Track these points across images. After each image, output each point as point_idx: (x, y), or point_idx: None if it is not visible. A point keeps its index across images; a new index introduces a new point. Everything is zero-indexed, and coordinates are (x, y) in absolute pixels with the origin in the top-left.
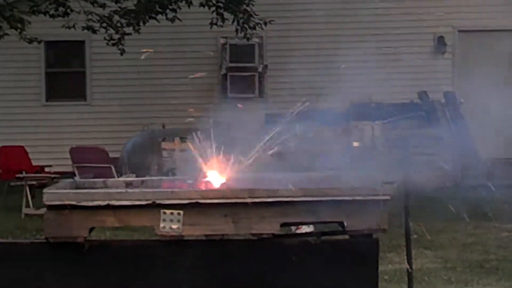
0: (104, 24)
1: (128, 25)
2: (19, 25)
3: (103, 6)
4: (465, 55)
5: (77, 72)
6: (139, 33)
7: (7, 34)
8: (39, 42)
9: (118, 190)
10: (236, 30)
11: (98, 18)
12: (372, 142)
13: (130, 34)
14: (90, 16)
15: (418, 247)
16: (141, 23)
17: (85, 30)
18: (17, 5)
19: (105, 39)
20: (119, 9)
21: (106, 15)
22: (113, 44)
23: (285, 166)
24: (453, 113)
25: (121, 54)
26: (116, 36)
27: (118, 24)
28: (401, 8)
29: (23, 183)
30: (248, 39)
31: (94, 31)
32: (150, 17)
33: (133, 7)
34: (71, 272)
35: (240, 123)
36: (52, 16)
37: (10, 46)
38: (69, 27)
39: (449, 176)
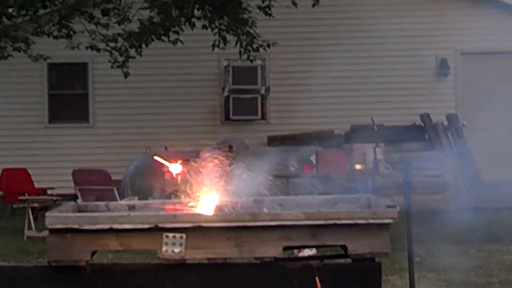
0: (109, 45)
1: (131, 47)
2: (22, 45)
3: (106, 26)
4: (468, 77)
5: (80, 94)
6: (141, 55)
7: (11, 55)
8: (45, 59)
9: (121, 213)
10: (240, 52)
11: (102, 37)
12: (375, 165)
13: (134, 57)
14: (93, 36)
15: (421, 270)
16: (143, 46)
17: (89, 50)
18: (21, 26)
19: (109, 61)
20: (122, 31)
21: (110, 34)
22: (118, 67)
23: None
24: (456, 135)
25: (125, 76)
26: (121, 59)
27: (123, 48)
28: (403, 30)
29: (25, 205)
30: (251, 61)
31: (98, 50)
32: (153, 39)
33: (136, 29)
34: None
35: (244, 146)
36: (55, 37)
37: (13, 68)
38: (73, 47)
39: (452, 198)
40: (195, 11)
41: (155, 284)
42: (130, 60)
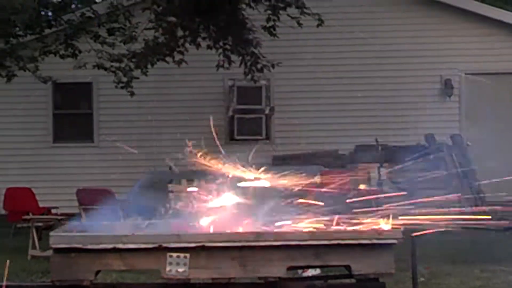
0: (113, 66)
1: (136, 67)
2: (31, 66)
3: (112, 45)
4: (472, 98)
5: (85, 114)
6: (146, 75)
7: (15, 75)
8: (55, 81)
9: (125, 233)
10: (245, 73)
11: (108, 56)
12: (379, 185)
13: (138, 78)
14: (100, 55)
15: None
16: (149, 66)
17: (94, 70)
18: (28, 45)
19: (114, 82)
20: (127, 52)
21: (116, 54)
22: (122, 87)
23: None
24: (460, 156)
25: (131, 95)
26: (125, 79)
27: (127, 68)
28: (408, 51)
29: (29, 224)
30: (255, 81)
31: (105, 69)
32: (158, 60)
33: (141, 49)
34: None
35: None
36: (62, 56)
37: (18, 87)
38: (80, 67)
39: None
40: (200, 31)
41: None
42: (134, 80)
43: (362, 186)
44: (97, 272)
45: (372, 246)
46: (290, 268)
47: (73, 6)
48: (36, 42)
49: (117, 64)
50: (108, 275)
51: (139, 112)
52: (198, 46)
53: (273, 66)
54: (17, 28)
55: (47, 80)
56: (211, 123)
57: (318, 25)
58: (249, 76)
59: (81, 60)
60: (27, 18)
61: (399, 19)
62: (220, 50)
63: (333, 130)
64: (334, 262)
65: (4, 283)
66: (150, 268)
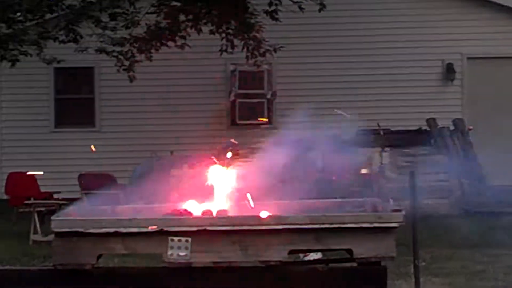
0: (115, 50)
1: (139, 52)
2: (35, 49)
3: (114, 30)
4: (474, 82)
5: (86, 99)
6: (151, 60)
7: (18, 60)
8: (59, 62)
9: (126, 217)
10: (247, 57)
11: (110, 41)
12: (381, 169)
13: (141, 61)
14: (102, 39)
15: (427, 274)
16: (152, 51)
17: (95, 55)
18: (29, 30)
19: (115, 65)
20: (129, 36)
21: (118, 37)
22: (124, 70)
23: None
24: (462, 140)
25: (131, 81)
26: (127, 63)
27: (129, 53)
28: (410, 35)
29: (31, 209)
30: (258, 66)
31: (107, 53)
32: (162, 44)
33: (143, 34)
34: None
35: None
36: (62, 42)
37: (20, 72)
38: (81, 51)
39: (458, 203)
40: (202, 15)
41: None
42: (136, 64)
43: (364, 171)
44: (99, 256)
45: (373, 230)
46: (291, 252)
47: None
48: (37, 27)
49: (119, 49)
50: (110, 259)
51: (140, 97)
52: (200, 31)
53: (275, 50)
54: (18, 14)
55: (51, 61)
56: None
57: (320, 10)
58: (252, 61)
59: (83, 45)
60: (33, 3)
61: (401, 3)
62: (223, 35)
63: (335, 115)
64: (335, 246)
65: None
66: (152, 252)
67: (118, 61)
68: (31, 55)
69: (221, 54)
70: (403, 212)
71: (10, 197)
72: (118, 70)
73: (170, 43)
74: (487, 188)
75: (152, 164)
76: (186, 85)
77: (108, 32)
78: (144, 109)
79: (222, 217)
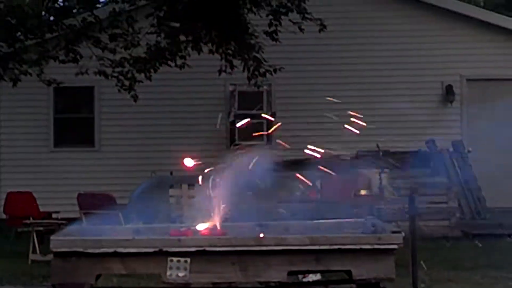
0: (116, 71)
1: (139, 71)
2: (36, 69)
3: (113, 51)
4: (473, 104)
5: (86, 118)
6: (150, 80)
7: (19, 79)
8: (59, 84)
9: (125, 237)
10: (248, 78)
11: (110, 63)
12: (380, 191)
13: (141, 81)
14: (102, 61)
15: None
16: (152, 71)
17: (97, 76)
18: (30, 49)
19: (116, 85)
20: (128, 56)
21: (117, 60)
22: (125, 90)
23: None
24: (461, 162)
25: (135, 101)
26: (127, 83)
27: (130, 74)
28: (409, 57)
29: (30, 229)
30: (258, 87)
31: (106, 76)
32: (161, 64)
33: (143, 54)
34: None
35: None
36: (62, 61)
37: (19, 91)
38: (81, 73)
39: (457, 225)
40: (202, 36)
41: None
42: (136, 84)
43: (363, 192)
44: (98, 276)
45: (372, 251)
46: (290, 273)
47: (74, 11)
48: (36, 47)
49: (119, 69)
50: (109, 279)
51: (140, 116)
52: (200, 51)
53: (275, 70)
54: (19, 33)
55: (51, 82)
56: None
57: (320, 30)
58: (253, 81)
59: (83, 66)
60: (36, 23)
61: (400, 25)
62: (222, 55)
63: (335, 136)
64: (334, 267)
65: None
66: (151, 272)
67: (119, 82)
68: (31, 74)
69: (219, 75)
70: (403, 234)
71: (9, 217)
72: (119, 90)
73: (170, 63)
74: (486, 210)
75: (152, 184)
76: (186, 105)
77: (107, 54)
78: (144, 129)
79: (221, 237)
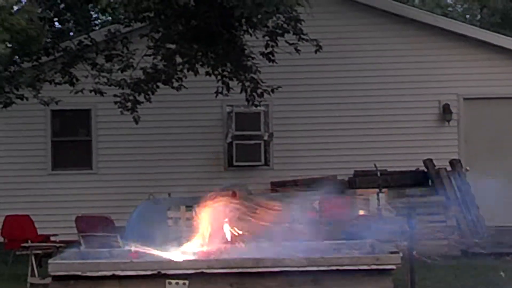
0: (118, 93)
1: (139, 93)
2: (32, 91)
3: (110, 72)
4: (471, 122)
5: (83, 141)
6: (150, 102)
7: (13, 102)
8: (57, 102)
9: (124, 260)
10: (247, 100)
11: (106, 81)
12: (378, 210)
13: (142, 102)
14: (97, 80)
15: None
16: (149, 93)
17: (92, 97)
18: (26, 72)
19: (118, 107)
20: (129, 79)
21: (114, 79)
22: (128, 110)
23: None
24: (459, 181)
25: (136, 122)
26: (129, 104)
27: (131, 97)
28: (406, 76)
29: (28, 252)
30: (256, 106)
31: (102, 94)
32: (158, 86)
33: (141, 77)
34: None
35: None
36: (58, 84)
37: (16, 114)
38: (76, 92)
39: (455, 244)
40: (198, 57)
41: None
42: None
43: (361, 212)
44: None
45: (370, 272)
46: None
47: (71, 33)
48: (32, 70)
49: (121, 91)
50: None
51: (137, 138)
52: (196, 72)
53: (272, 91)
54: (17, 56)
55: (49, 102)
56: None
57: (316, 51)
58: (251, 103)
59: (78, 87)
60: (38, 47)
61: (398, 44)
62: (219, 77)
63: (332, 156)
64: None
65: None
66: None
67: (121, 104)
68: (27, 98)
69: (216, 96)
70: (401, 254)
71: (7, 240)
72: (121, 112)
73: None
74: (484, 229)
75: (150, 206)
76: (183, 127)
77: (104, 74)
78: (141, 151)
79: (219, 259)
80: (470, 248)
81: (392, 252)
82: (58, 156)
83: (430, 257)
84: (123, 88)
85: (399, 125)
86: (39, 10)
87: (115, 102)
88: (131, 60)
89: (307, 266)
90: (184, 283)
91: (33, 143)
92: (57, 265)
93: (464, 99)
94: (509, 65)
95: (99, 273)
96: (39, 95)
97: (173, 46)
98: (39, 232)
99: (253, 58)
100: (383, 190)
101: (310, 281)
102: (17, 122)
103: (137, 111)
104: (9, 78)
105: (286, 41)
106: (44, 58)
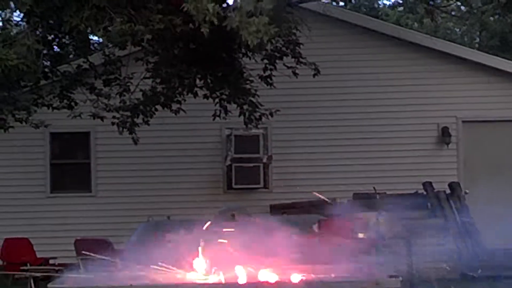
0: (115, 117)
1: (136, 114)
2: (23, 114)
3: (108, 97)
4: (469, 145)
5: (82, 164)
6: (148, 124)
7: (11, 126)
8: (46, 126)
9: (122, 284)
10: (245, 123)
11: (105, 106)
12: (377, 234)
13: (138, 125)
14: (96, 104)
15: None
16: (148, 116)
17: (91, 120)
18: (21, 97)
19: (117, 130)
20: (128, 103)
21: (112, 104)
22: (127, 131)
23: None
24: (458, 203)
25: (135, 143)
26: (128, 125)
27: (130, 120)
28: (405, 99)
29: (27, 275)
30: (256, 125)
31: (101, 119)
32: (156, 110)
33: (141, 99)
34: None
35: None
36: (56, 108)
37: (15, 137)
38: (75, 116)
39: (455, 267)
40: (197, 81)
41: None
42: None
43: (360, 235)
44: None
45: None
46: None
47: (71, 56)
48: (30, 94)
49: (120, 113)
50: None
51: (136, 161)
52: (195, 95)
53: (271, 114)
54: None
55: (39, 125)
56: None
57: (314, 75)
58: (250, 126)
59: (77, 111)
60: (33, 78)
61: (396, 67)
62: (217, 100)
63: (331, 179)
64: None
65: None
66: None
67: (119, 127)
68: (25, 121)
69: (213, 119)
70: (400, 278)
71: (6, 263)
72: (120, 133)
73: (165, 108)
74: (484, 252)
75: (149, 229)
76: (182, 149)
77: (102, 99)
78: (140, 174)
79: (218, 284)
80: (470, 271)
81: (391, 276)
82: (57, 179)
83: (429, 280)
84: (123, 111)
85: (398, 148)
86: (37, 35)
87: (113, 123)
88: (128, 84)
89: None
90: None
91: (32, 165)
92: None
93: (463, 121)
94: (508, 88)
95: None
96: (30, 118)
97: (168, 70)
98: (38, 255)
99: (251, 81)
100: (382, 213)
101: None
102: (16, 145)
103: (135, 133)
104: (5, 101)
105: (284, 64)
106: (42, 82)
